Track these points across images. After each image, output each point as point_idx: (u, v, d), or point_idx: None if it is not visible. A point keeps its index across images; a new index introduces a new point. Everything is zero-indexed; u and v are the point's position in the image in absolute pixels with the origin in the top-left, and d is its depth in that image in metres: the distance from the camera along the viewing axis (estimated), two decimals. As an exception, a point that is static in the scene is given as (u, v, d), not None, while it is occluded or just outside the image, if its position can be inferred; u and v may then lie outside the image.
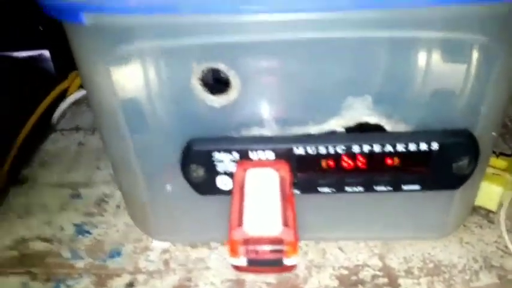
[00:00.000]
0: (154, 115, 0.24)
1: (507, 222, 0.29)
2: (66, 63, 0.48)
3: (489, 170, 0.30)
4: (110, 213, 0.32)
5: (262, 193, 0.21)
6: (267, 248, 0.19)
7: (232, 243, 0.19)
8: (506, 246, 0.27)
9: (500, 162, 0.31)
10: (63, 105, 0.44)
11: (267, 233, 0.19)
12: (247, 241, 0.19)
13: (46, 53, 0.50)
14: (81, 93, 0.45)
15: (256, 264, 0.19)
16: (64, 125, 0.42)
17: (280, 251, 0.18)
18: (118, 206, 0.32)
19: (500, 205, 0.30)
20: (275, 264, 0.18)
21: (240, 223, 0.20)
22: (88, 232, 0.30)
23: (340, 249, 0.28)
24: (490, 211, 0.30)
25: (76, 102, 0.45)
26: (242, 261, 0.19)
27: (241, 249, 0.19)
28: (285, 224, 0.19)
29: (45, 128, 0.43)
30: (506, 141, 0.37)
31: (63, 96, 0.46)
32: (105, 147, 0.28)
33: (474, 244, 0.28)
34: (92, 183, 0.34)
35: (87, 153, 0.38)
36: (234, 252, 0.19)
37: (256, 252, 0.19)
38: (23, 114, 0.44)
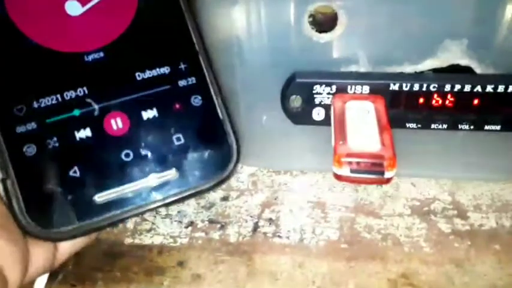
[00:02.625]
0: (263, 50, 0.26)
1: None
2: None
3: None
4: (201, 141, 0.36)
5: (361, 120, 0.24)
6: (369, 160, 0.21)
7: (338, 155, 0.22)
8: None
9: None
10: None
11: (368, 149, 0.22)
12: (350, 154, 0.22)
13: None
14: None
15: (359, 174, 0.22)
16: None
17: (381, 164, 0.21)
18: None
19: None
20: (376, 175, 0.21)
21: (343, 140, 0.23)
22: (183, 155, 0.34)
23: (413, 184, 0.31)
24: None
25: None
26: (346, 171, 0.22)
27: (345, 160, 0.22)
28: (383, 143, 0.22)
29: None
30: None
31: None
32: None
33: (542, 189, 0.30)
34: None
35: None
36: (339, 163, 0.22)
37: (359, 164, 0.22)
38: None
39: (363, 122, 0.24)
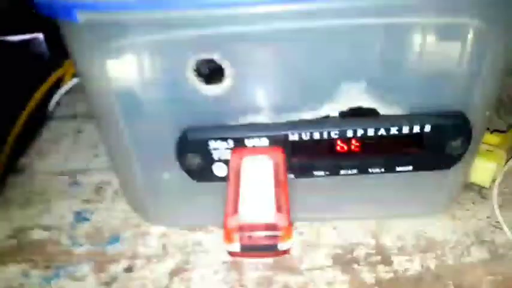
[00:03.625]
0: (149, 105, 0.24)
1: (499, 198, 0.30)
2: (61, 46, 0.48)
3: (483, 147, 0.30)
4: (108, 200, 0.32)
5: (256, 181, 0.21)
6: (261, 233, 0.19)
7: (227, 230, 0.19)
8: (497, 222, 0.28)
9: (494, 138, 0.31)
10: (59, 93, 0.44)
11: (261, 219, 0.19)
12: (241, 228, 0.19)
13: (40, 36, 0.50)
14: (77, 80, 0.45)
15: (251, 250, 0.19)
16: (60, 113, 0.42)
17: (274, 237, 0.19)
18: (116, 193, 0.32)
19: (493, 181, 0.30)
20: (269, 249, 0.19)
21: (234, 210, 0.20)
22: (87, 219, 0.31)
23: (335, 228, 0.29)
24: (483, 187, 0.30)
25: (72, 90, 0.45)
26: (236, 247, 0.19)
27: (236, 235, 0.19)
28: (279, 210, 0.20)
29: (41, 116, 0.43)
30: (501, 116, 0.37)
31: (58, 84, 0.46)
32: (101, 137, 0.28)
33: (466, 220, 0.28)
34: (89, 171, 0.35)
35: (84, 141, 0.38)
36: (228, 238, 0.19)
37: (250, 238, 0.19)
38: (17, 99, 0.44)
39: (258, 182, 0.21)
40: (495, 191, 0.30)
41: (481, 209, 0.29)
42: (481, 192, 0.30)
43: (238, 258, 0.27)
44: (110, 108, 0.24)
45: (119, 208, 0.31)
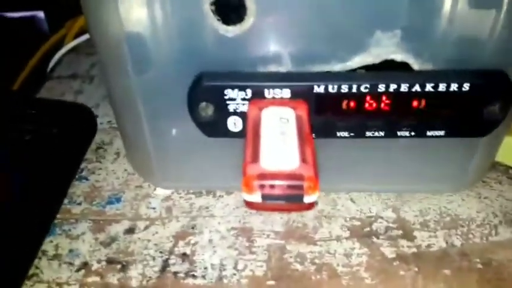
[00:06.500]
0: (161, 49, 0.21)
1: (528, 178, 0.28)
2: (61, 24, 0.47)
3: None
4: (109, 160, 0.30)
5: (278, 131, 0.19)
6: (285, 182, 0.17)
7: (246, 177, 0.17)
8: (526, 202, 0.26)
9: (523, 118, 0.30)
10: (60, 53, 0.42)
11: (284, 168, 0.17)
12: (263, 176, 0.17)
13: (40, 14, 0.49)
14: (78, 40, 0.43)
15: (273, 200, 0.17)
16: (61, 73, 0.40)
17: (299, 187, 0.17)
18: (117, 154, 0.30)
19: (521, 161, 0.28)
20: (294, 200, 0.17)
21: (255, 158, 0.18)
22: (85, 178, 0.28)
23: (352, 200, 0.27)
24: (509, 167, 0.29)
25: (73, 50, 0.43)
26: (257, 197, 0.17)
27: (257, 183, 0.17)
28: (303, 160, 0.18)
29: (40, 76, 0.41)
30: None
31: (60, 45, 0.44)
32: (107, 89, 0.26)
33: (493, 199, 0.27)
34: (89, 130, 0.33)
35: (84, 102, 0.36)
36: (248, 187, 0.17)
37: (273, 187, 0.17)
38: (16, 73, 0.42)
39: (280, 133, 0.19)
40: (523, 171, 0.28)
41: (508, 189, 0.27)
42: (508, 172, 0.29)
43: (249, 224, 0.25)
44: (119, 53, 0.22)
45: (120, 169, 0.29)
